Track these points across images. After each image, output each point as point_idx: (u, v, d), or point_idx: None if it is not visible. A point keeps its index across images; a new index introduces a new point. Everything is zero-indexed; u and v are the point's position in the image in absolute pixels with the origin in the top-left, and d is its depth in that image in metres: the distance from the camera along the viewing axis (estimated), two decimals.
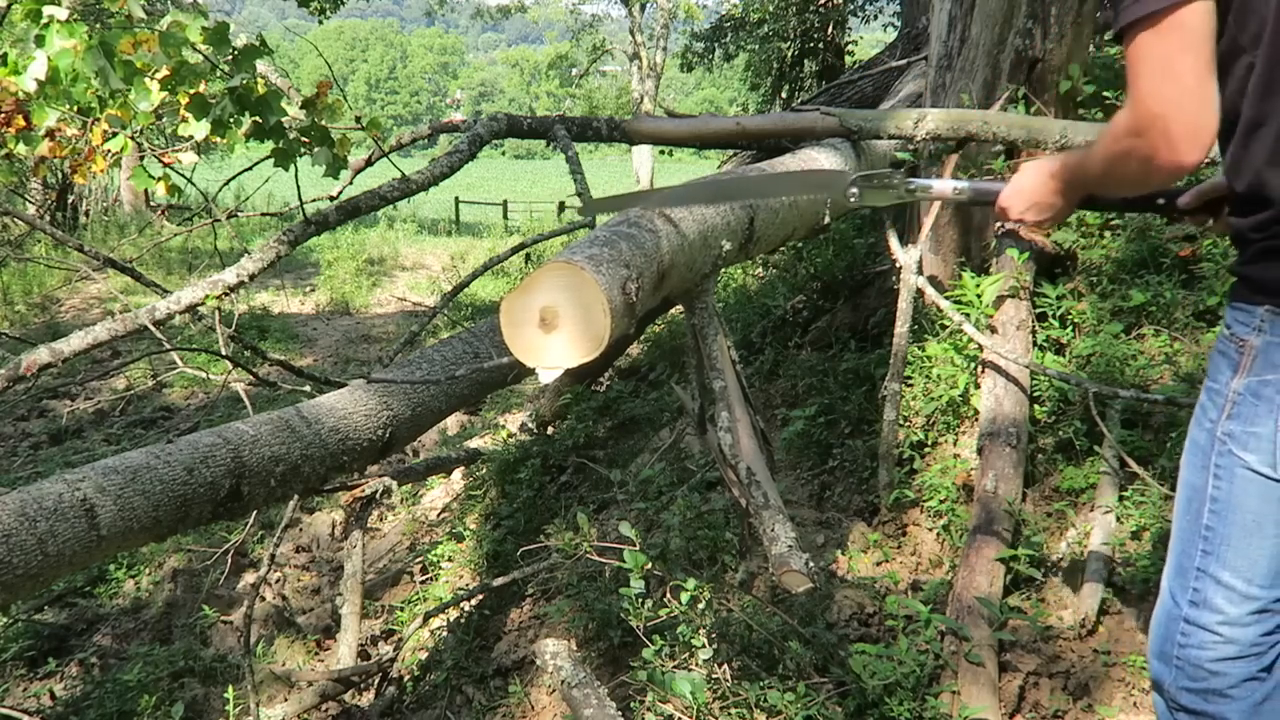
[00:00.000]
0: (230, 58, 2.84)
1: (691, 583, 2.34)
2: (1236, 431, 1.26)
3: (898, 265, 3.14)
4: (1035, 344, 3.11)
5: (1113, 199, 1.65)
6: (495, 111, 3.36)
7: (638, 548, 2.40)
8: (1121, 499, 2.65)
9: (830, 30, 12.63)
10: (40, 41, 2.77)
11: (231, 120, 2.90)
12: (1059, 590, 2.59)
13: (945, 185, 1.68)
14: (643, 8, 24.01)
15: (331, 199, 3.28)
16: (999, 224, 3.33)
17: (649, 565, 2.43)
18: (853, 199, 1.77)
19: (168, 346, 2.93)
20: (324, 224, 2.90)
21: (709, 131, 3.70)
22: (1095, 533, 2.60)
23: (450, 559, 4.07)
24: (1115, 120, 1.27)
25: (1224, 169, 1.27)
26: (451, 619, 3.55)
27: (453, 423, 5.75)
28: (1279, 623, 1.32)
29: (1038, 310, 3.17)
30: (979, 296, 3.11)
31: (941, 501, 2.88)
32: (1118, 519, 2.62)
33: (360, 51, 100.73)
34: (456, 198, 21.82)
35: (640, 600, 2.36)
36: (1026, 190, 1.51)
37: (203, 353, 5.03)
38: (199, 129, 2.96)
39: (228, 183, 4.40)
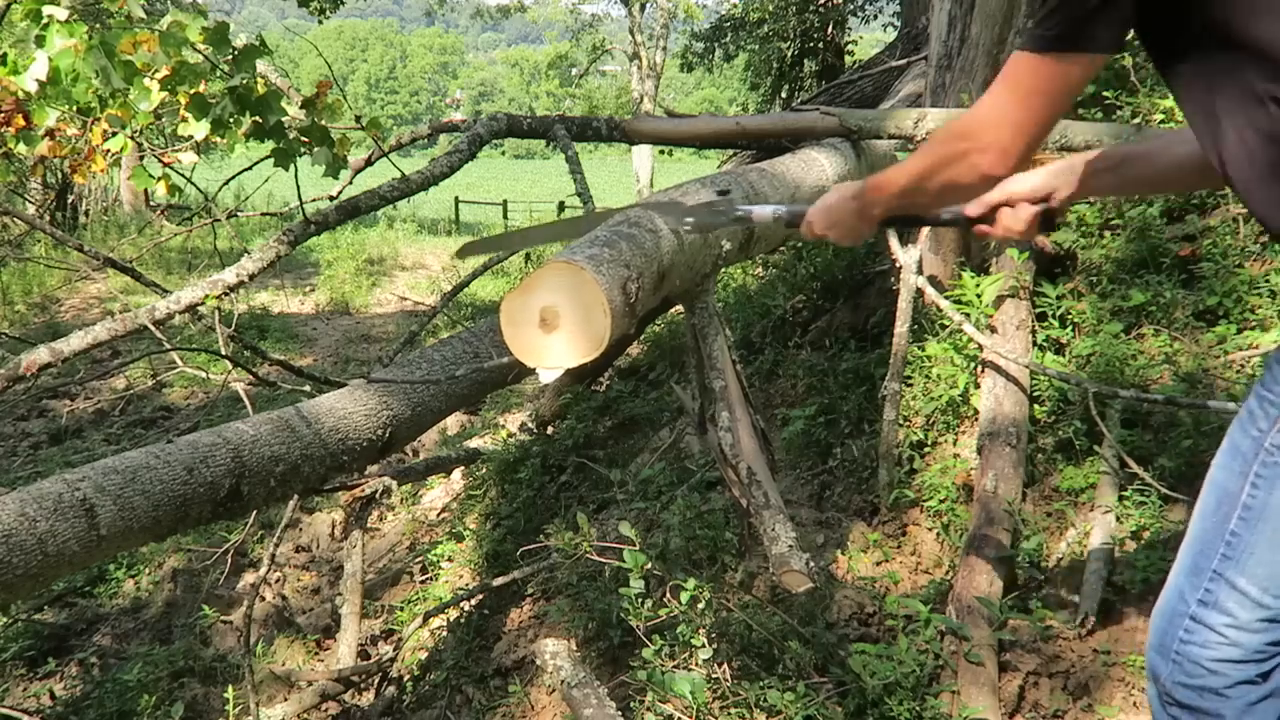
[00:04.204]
0: (230, 58, 2.84)
1: (691, 583, 2.34)
2: None
3: (898, 265, 3.14)
4: (1035, 344, 3.11)
5: (910, 215, 1.72)
6: (495, 111, 3.36)
7: (638, 548, 2.40)
8: (1121, 499, 2.65)
9: (830, 30, 12.64)
10: (40, 41, 2.78)
11: (231, 120, 2.90)
12: (1059, 590, 2.59)
13: (765, 210, 1.74)
14: (643, 8, 23.98)
15: (331, 199, 3.28)
16: None
17: (649, 565, 2.43)
18: (687, 229, 1.84)
19: (168, 346, 2.93)
20: (324, 224, 2.90)
21: (709, 131, 3.70)
22: (1095, 533, 2.60)
23: (450, 559, 4.07)
24: (948, 125, 1.34)
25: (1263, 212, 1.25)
26: (451, 619, 3.55)
27: (453, 423, 5.75)
28: None
29: (1038, 310, 3.17)
30: (979, 296, 3.11)
31: (941, 501, 2.89)
32: (1118, 519, 2.62)
33: (360, 51, 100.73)
34: (456, 197, 21.81)
35: (640, 600, 2.36)
36: (829, 210, 1.59)
37: (203, 353, 5.03)
38: (199, 129, 2.96)
39: (228, 183, 4.40)
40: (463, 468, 4.62)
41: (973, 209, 1.59)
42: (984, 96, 1.29)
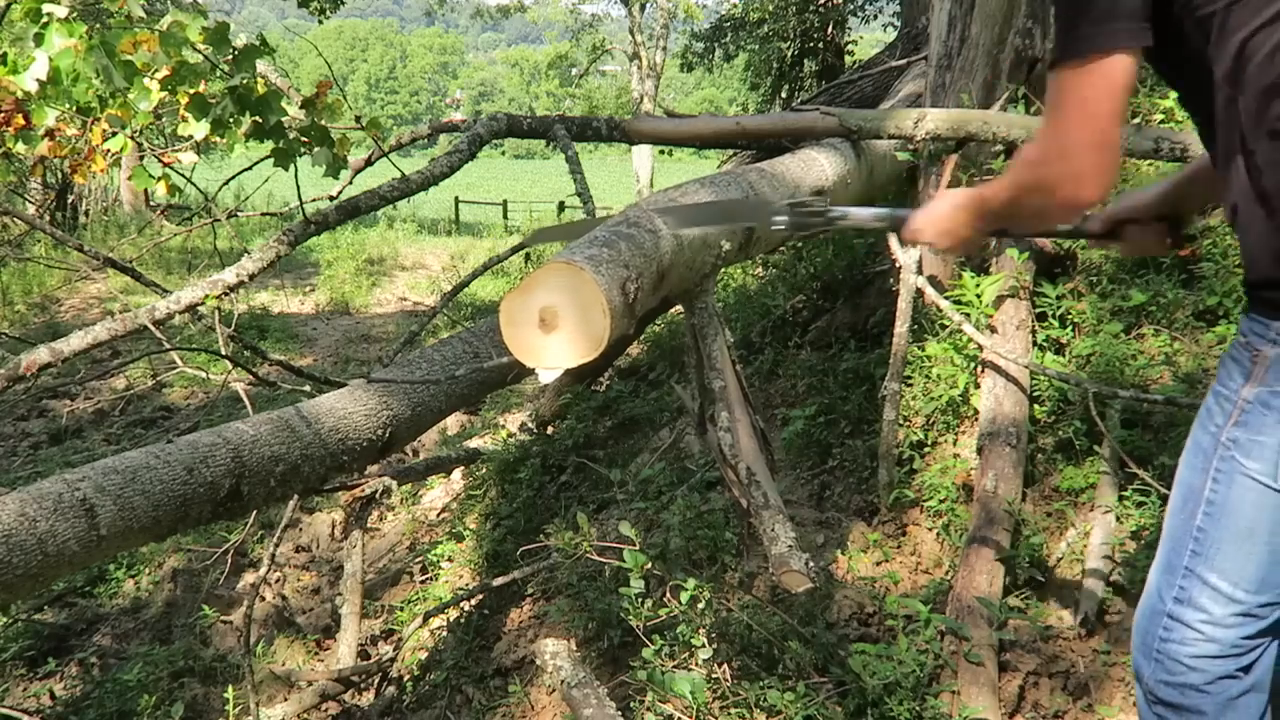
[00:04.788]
0: (230, 58, 2.84)
1: (691, 583, 2.34)
2: (1242, 439, 1.27)
3: (897, 265, 3.13)
4: (1035, 344, 3.11)
5: (1022, 227, 1.71)
6: (495, 111, 3.36)
7: (638, 547, 2.40)
8: (1121, 499, 2.65)
9: (830, 30, 12.64)
10: (40, 40, 2.77)
11: (231, 120, 2.90)
12: (1059, 590, 2.59)
13: (865, 213, 1.71)
14: (643, 8, 23.98)
15: (331, 199, 3.28)
16: None
17: (649, 565, 2.43)
18: (781, 228, 1.79)
19: (168, 346, 2.93)
20: (324, 224, 2.90)
21: (709, 131, 3.70)
22: (1095, 533, 2.60)
23: (450, 559, 4.07)
24: (1024, 151, 1.33)
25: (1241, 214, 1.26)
26: (451, 619, 3.55)
27: (453, 423, 5.75)
28: (1260, 628, 1.34)
29: (1038, 310, 3.17)
30: (979, 296, 3.11)
31: (941, 501, 2.89)
32: (1117, 519, 2.62)
33: (360, 51, 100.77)
34: (456, 198, 21.81)
35: (640, 600, 2.36)
36: (936, 218, 1.57)
37: (203, 353, 5.03)
38: (199, 129, 2.96)
39: (227, 182, 4.40)
40: (463, 468, 4.62)
41: (1095, 225, 1.58)
42: (1045, 124, 1.26)
